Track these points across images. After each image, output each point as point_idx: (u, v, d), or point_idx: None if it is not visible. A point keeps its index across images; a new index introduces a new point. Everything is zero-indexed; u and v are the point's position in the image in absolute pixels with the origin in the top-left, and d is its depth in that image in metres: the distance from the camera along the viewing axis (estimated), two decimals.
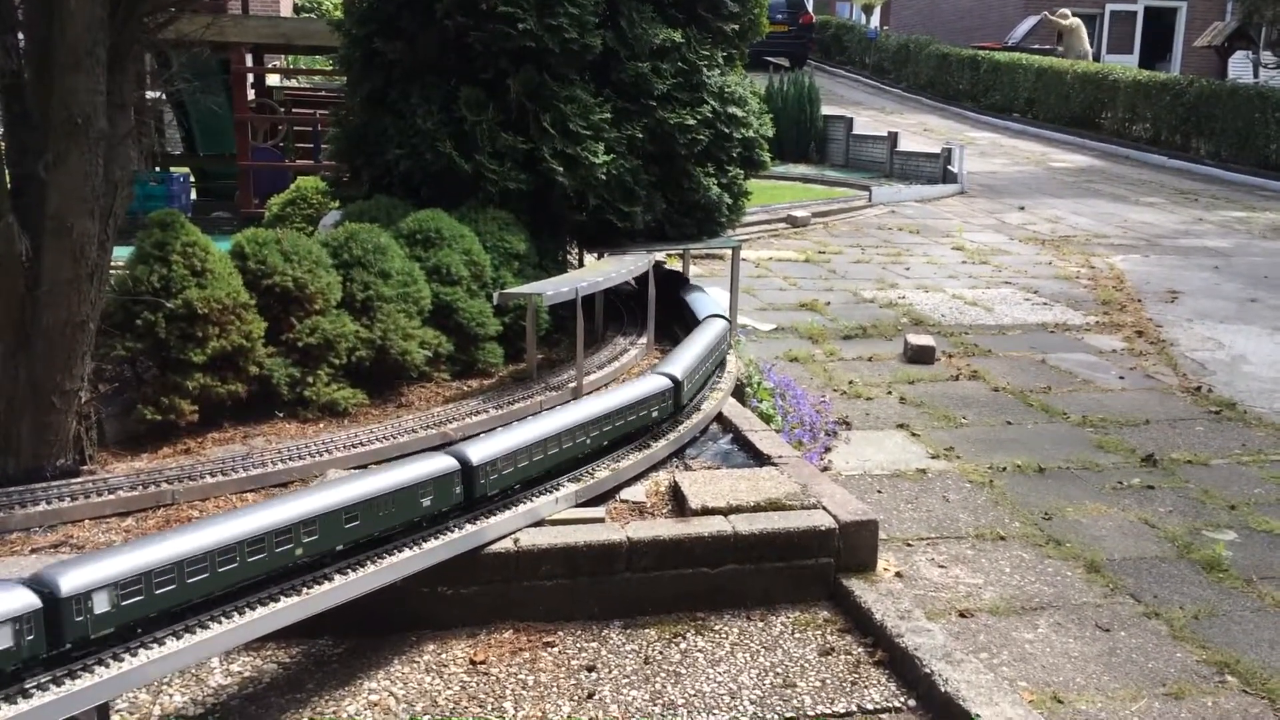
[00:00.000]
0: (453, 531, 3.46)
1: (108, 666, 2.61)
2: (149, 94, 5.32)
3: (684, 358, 4.88)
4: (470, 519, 3.55)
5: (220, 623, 2.84)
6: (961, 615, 4.13)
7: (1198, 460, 5.85)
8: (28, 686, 2.46)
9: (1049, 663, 3.82)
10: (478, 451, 3.58)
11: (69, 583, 2.53)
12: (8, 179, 3.89)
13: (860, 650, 3.51)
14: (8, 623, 2.40)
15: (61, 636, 2.52)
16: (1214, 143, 18.65)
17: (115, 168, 4.04)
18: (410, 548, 3.32)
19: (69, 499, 3.83)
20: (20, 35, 4.03)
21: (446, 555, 3.41)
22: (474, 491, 3.54)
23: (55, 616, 2.51)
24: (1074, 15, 25.32)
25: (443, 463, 3.49)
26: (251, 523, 2.93)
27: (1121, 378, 7.39)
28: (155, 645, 2.71)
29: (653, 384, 4.51)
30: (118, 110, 4.03)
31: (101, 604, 2.58)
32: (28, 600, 2.46)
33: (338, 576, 3.11)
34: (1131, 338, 8.42)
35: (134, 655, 2.66)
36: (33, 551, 3.57)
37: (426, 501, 3.38)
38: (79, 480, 3.96)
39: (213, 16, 5.92)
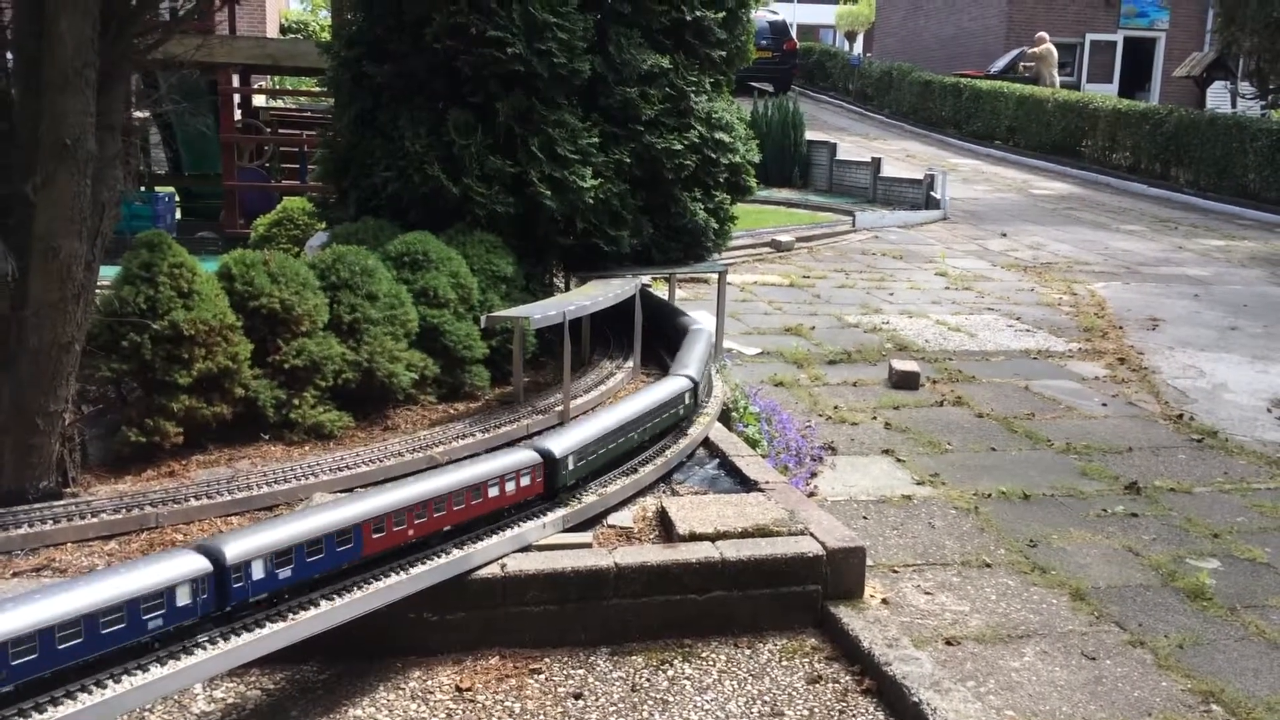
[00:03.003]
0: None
1: (90, 693, 2.59)
2: (136, 114, 5.31)
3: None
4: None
5: (205, 649, 2.81)
6: (948, 643, 4.12)
7: (1181, 488, 5.88)
8: None
9: (1036, 691, 3.82)
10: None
11: None
12: None
13: (848, 678, 3.50)
14: None
15: None
16: (1193, 171, 18.86)
17: (103, 188, 4.03)
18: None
19: (51, 522, 3.79)
20: (9, 55, 4.02)
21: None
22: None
23: None
24: (1050, 43, 25.51)
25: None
26: None
27: (1104, 405, 7.43)
28: (138, 671, 2.69)
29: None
30: (106, 131, 4.02)
31: None
32: None
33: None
34: (1114, 365, 8.48)
35: (117, 682, 2.64)
36: (14, 575, 3.53)
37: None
38: (62, 503, 3.93)
39: (202, 38, 5.92)
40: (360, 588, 3.20)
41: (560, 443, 4.00)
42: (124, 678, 2.65)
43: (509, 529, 3.72)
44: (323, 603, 3.10)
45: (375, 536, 3.26)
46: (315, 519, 3.14)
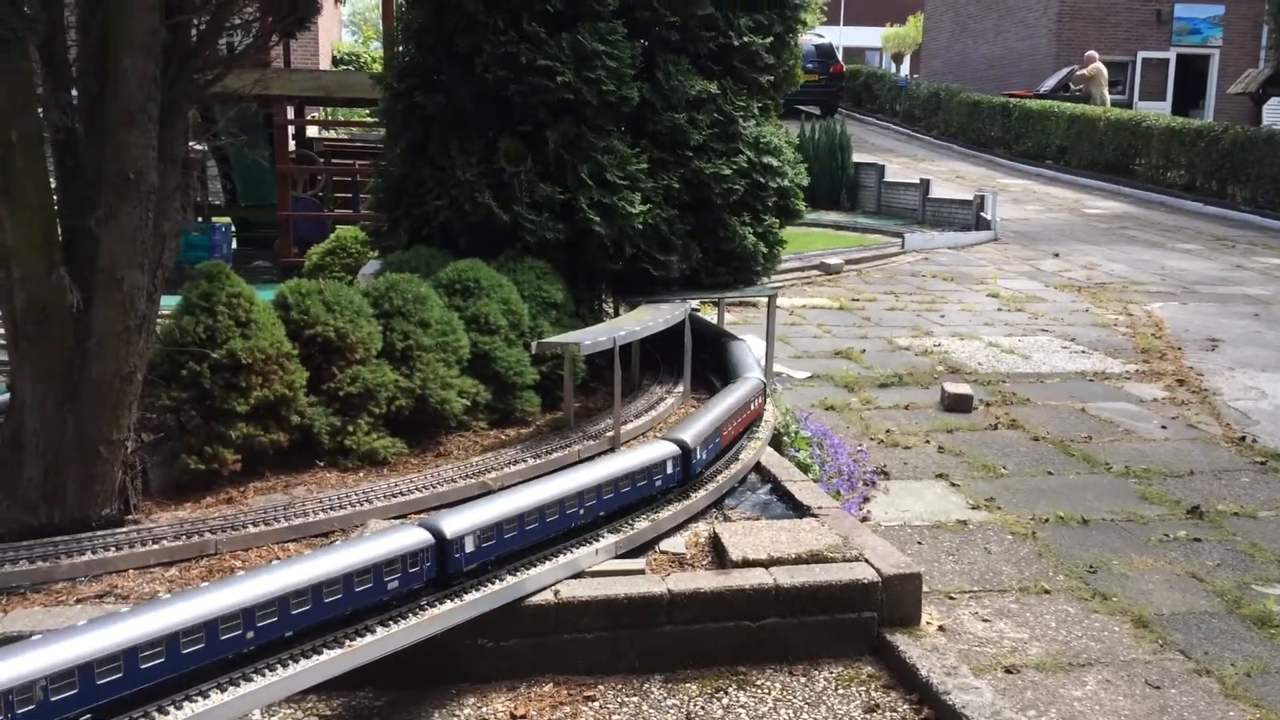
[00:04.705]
0: None
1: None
2: (195, 147, 5.43)
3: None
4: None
5: (264, 675, 2.84)
6: (1008, 671, 4.05)
7: (1244, 512, 5.75)
8: None
9: None
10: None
11: None
12: (60, 232, 3.98)
13: (906, 708, 3.45)
14: None
15: None
16: (1250, 189, 18.52)
17: (164, 221, 4.11)
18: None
19: (114, 549, 3.86)
20: (74, 92, 4.13)
21: None
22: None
23: None
24: (1100, 61, 25.23)
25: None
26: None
27: (1164, 427, 7.29)
28: (199, 698, 2.72)
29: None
30: (167, 164, 4.11)
31: None
32: None
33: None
34: (1172, 386, 8.32)
35: (178, 708, 2.67)
36: (78, 601, 3.59)
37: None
38: (124, 530, 3.99)
39: (259, 72, 6.05)
40: (416, 614, 3.22)
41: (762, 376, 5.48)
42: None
43: (561, 555, 3.72)
44: (379, 629, 3.12)
45: (724, 434, 4.71)
46: (705, 420, 4.56)
